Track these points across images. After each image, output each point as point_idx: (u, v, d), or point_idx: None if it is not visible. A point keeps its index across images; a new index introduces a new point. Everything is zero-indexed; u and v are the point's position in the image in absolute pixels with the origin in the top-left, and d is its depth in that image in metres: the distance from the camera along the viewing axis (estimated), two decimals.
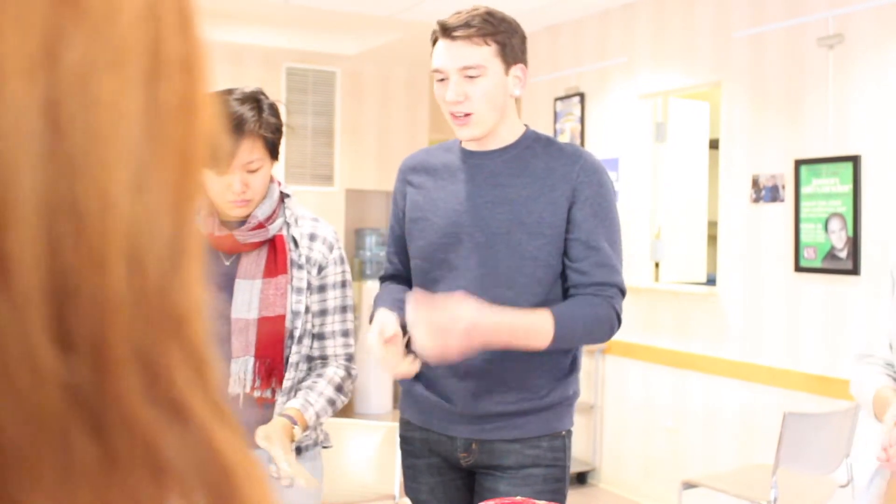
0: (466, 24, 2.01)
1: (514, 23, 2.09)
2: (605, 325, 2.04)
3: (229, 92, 2.04)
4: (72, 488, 0.25)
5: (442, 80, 2.07)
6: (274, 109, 2.08)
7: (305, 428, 2.02)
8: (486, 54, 2.02)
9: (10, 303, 0.24)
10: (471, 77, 2.02)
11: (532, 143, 2.13)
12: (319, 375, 2.11)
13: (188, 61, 0.28)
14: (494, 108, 2.05)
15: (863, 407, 2.18)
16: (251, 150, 2.01)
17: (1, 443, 0.24)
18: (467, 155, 2.14)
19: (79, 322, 0.25)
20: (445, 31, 2.04)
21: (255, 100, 2.04)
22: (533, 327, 1.96)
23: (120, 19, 0.26)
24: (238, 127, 1.98)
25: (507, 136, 2.12)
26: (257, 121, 2.01)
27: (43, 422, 0.24)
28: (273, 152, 2.07)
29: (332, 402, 2.09)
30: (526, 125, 2.19)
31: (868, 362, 2.18)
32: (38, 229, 0.24)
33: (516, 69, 2.07)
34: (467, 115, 2.04)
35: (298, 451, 2.12)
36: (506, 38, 2.04)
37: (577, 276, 2.06)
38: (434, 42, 2.09)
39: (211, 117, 0.29)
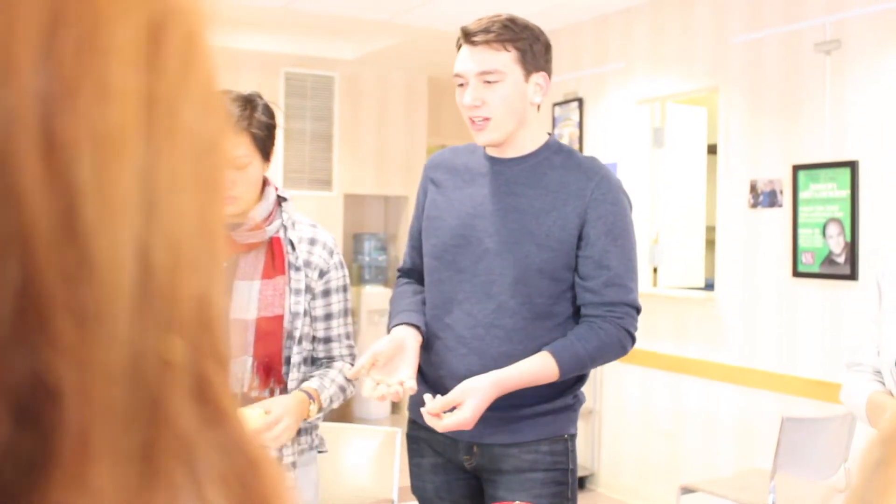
0: (486, 30, 2.03)
1: (538, 30, 2.09)
2: (615, 349, 2.07)
3: (226, 92, 2.06)
4: (123, 473, 0.26)
5: (461, 84, 2.07)
6: (268, 110, 2.10)
7: (320, 409, 2.07)
8: (505, 60, 2.03)
9: (103, 296, 0.26)
10: (489, 82, 2.02)
11: (552, 155, 2.13)
12: (329, 367, 2.16)
13: (215, 91, 0.31)
14: (513, 114, 2.05)
15: (853, 413, 2.19)
16: (236, 144, 2.02)
17: (67, 423, 0.26)
18: (488, 160, 2.16)
19: (154, 323, 0.27)
20: (467, 36, 2.05)
21: (247, 99, 2.07)
22: (537, 374, 2.01)
23: (199, 70, 0.29)
24: None
25: (528, 144, 2.13)
26: (243, 117, 2.03)
27: (112, 408, 0.26)
28: (263, 152, 2.08)
29: (343, 390, 2.14)
30: (550, 133, 2.19)
31: (857, 370, 2.19)
32: (131, 236, 0.26)
33: (537, 77, 2.07)
34: (485, 119, 2.05)
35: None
36: (527, 45, 2.04)
37: (588, 295, 2.06)
38: (459, 48, 2.10)
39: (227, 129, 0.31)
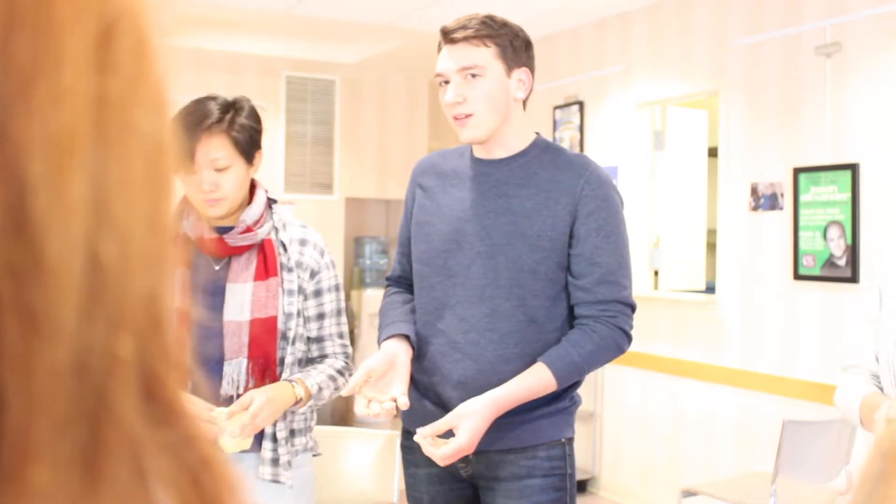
0: (464, 27, 2.03)
1: (516, 27, 2.09)
2: (612, 349, 2.05)
3: (214, 97, 2.09)
4: (65, 474, 0.27)
5: (445, 83, 2.07)
6: (253, 114, 2.11)
7: (308, 396, 2.06)
8: (485, 55, 2.03)
9: (51, 295, 0.26)
10: (472, 77, 2.02)
11: (540, 153, 2.11)
12: (320, 362, 2.17)
13: (165, 93, 0.31)
14: (496, 109, 2.04)
15: (846, 415, 2.17)
16: (216, 147, 2.03)
17: (7, 424, 0.26)
18: (476, 162, 2.14)
19: (102, 321, 0.27)
20: (446, 35, 2.06)
21: (230, 104, 2.08)
22: (534, 388, 2.00)
23: (150, 73, 0.29)
24: (198, 123, 2.02)
25: (515, 143, 2.11)
26: (223, 121, 2.04)
27: (55, 409, 0.26)
28: (245, 155, 2.08)
29: (333, 379, 2.13)
30: (537, 133, 2.17)
31: (853, 372, 2.18)
32: (80, 234, 0.27)
33: (519, 72, 2.07)
34: (468, 116, 2.04)
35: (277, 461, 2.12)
36: (506, 41, 2.04)
37: (580, 294, 2.04)
38: (440, 50, 2.10)
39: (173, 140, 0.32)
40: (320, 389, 2.10)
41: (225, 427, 1.94)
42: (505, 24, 2.07)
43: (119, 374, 0.28)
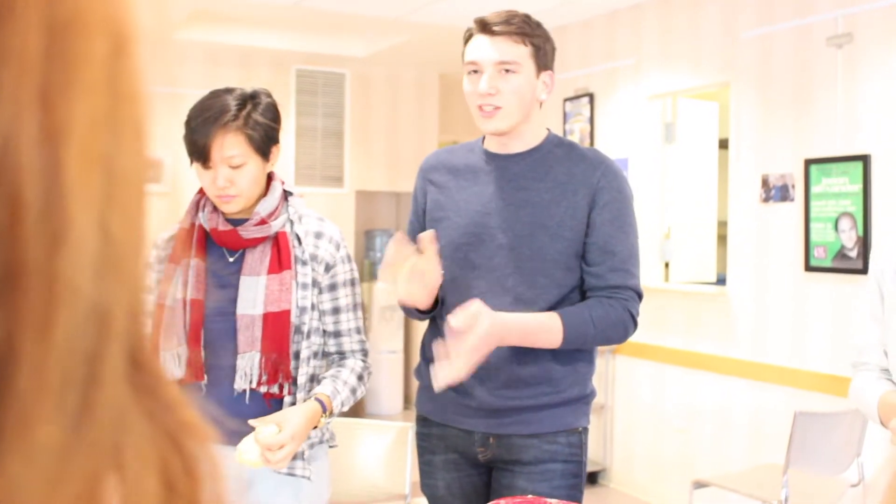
0: (507, 22, 2.10)
1: (547, 32, 2.18)
2: (619, 326, 2.10)
3: (231, 90, 2.07)
4: (62, 436, 0.28)
5: (474, 72, 2.12)
6: (270, 110, 2.09)
7: (330, 415, 2.06)
8: (522, 53, 2.10)
9: (73, 264, 0.29)
10: (506, 72, 2.09)
11: (554, 148, 2.18)
12: (341, 365, 2.15)
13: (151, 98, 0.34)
14: (522, 106, 2.11)
15: (864, 413, 2.17)
16: (231, 145, 2.02)
17: (19, 385, 0.28)
18: (490, 157, 2.19)
19: (106, 288, 0.30)
20: (485, 26, 2.11)
21: (248, 97, 2.06)
22: (542, 326, 2.04)
23: (143, 76, 0.32)
24: (213, 120, 2.01)
25: (531, 139, 2.18)
26: (238, 118, 2.02)
27: (62, 372, 0.28)
28: (261, 151, 2.07)
29: (353, 391, 2.13)
30: (548, 129, 2.24)
31: (864, 369, 2.17)
32: (98, 210, 0.29)
33: (545, 75, 2.15)
34: (496, 108, 2.10)
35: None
36: (541, 42, 2.13)
37: (593, 280, 2.12)
38: (467, 39, 2.15)
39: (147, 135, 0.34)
40: (342, 406, 2.10)
41: (249, 443, 1.93)
42: (539, 26, 2.15)
43: (112, 342, 0.30)
